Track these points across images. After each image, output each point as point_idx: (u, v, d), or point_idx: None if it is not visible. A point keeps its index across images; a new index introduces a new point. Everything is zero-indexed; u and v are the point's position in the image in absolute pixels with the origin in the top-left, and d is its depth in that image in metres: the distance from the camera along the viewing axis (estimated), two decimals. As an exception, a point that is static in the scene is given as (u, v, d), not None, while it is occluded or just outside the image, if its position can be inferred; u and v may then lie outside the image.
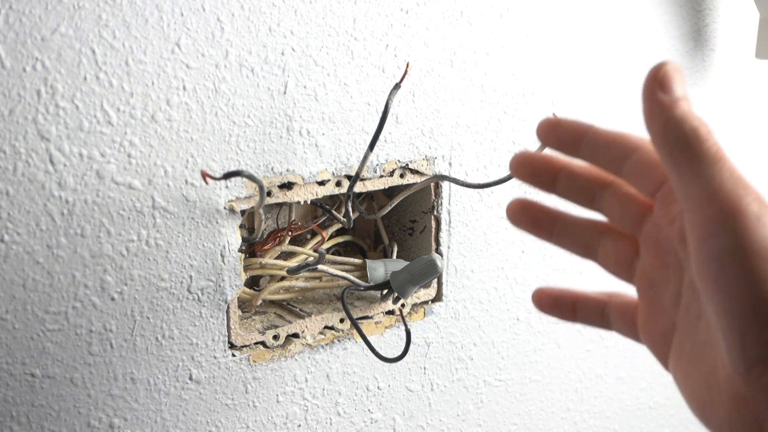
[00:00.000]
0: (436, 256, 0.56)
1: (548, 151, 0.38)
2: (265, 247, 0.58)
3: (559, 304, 0.41)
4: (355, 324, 0.56)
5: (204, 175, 0.43)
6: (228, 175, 0.43)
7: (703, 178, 0.31)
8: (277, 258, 0.59)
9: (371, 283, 0.60)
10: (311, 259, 0.58)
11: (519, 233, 0.69)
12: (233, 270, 0.52)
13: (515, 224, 0.40)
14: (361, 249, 0.68)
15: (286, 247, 0.59)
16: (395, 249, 0.65)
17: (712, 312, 0.31)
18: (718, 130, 0.87)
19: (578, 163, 0.38)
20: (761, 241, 0.29)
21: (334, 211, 0.60)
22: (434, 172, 0.61)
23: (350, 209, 0.55)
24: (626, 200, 0.37)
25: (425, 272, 0.56)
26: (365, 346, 0.61)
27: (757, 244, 0.29)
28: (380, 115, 0.56)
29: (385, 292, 0.59)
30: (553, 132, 0.38)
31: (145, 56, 0.46)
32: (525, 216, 0.40)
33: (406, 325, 0.57)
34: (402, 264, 0.62)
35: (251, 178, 0.45)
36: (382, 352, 0.62)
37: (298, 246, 0.61)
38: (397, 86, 0.52)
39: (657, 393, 0.86)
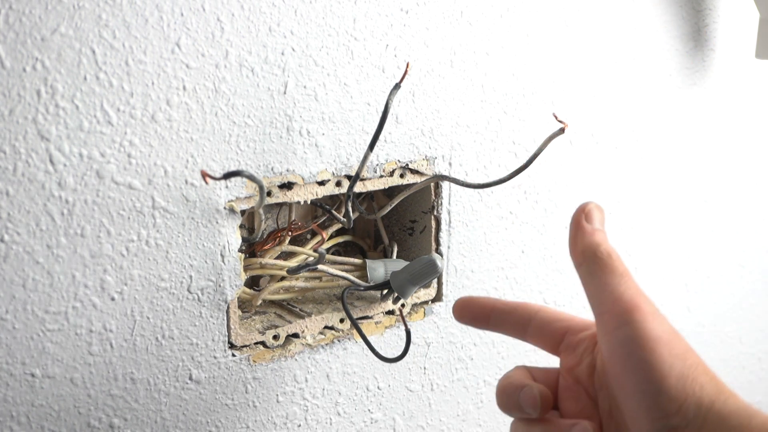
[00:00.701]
0: (436, 256, 0.56)
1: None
2: (265, 247, 0.58)
3: (476, 318, 0.48)
4: (354, 323, 0.56)
5: (204, 176, 0.43)
6: (228, 175, 0.43)
7: (612, 285, 0.40)
8: (277, 258, 0.59)
9: (371, 283, 0.60)
10: (311, 259, 0.58)
11: (519, 233, 0.69)
12: (233, 270, 0.52)
13: (459, 321, 0.48)
14: (361, 249, 0.68)
15: (286, 247, 0.59)
16: (395, 249, 0.66)
17: (623, 397, 0.38)
18: (717, 130, 0.86)
19: (504, 304, 0.47)
20: (655, 329, 0.38)
21: (334, 211, 0.60)
22: (434, 172, 0.61)
23: (350, 209, 0.55)
24: (544, 334, 0.46)
25: (425, 272, 0.56)
26: (365, 346, 0.61)
27: (653, 332, 0.37)
28: (380, 115, 0.56)
29: (385, 292, 0.59)
30: (466, 311, 0.47)
31: (145, 56, 0.46)
32: (465, 313, 0.48)
33: (406, 325, 0.56)
34: (402, 264, 0.62)
35: (251, 178, 0.45)
36: (382, 352, 0.62)
37: (299, 246, 0.61)
38: (397, 86, 0.52)
39: (657, 393, 0.86)
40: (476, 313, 0.47)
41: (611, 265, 0.40)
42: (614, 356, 0.38)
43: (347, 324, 0.59)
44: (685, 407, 0.36)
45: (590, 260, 0.41)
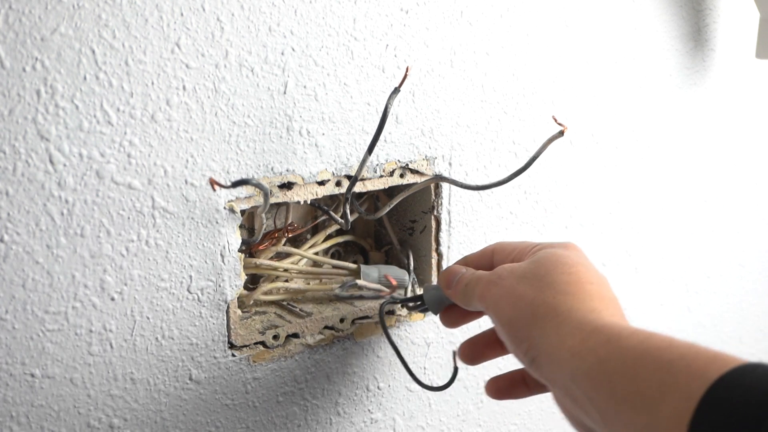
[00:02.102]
0: None
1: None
2: (261, 247, 0.58)
3: (512, 388, 0.54)
4: (392, 342, 0.57)
5: (212, 183, 0.43)
6: (237, 184, 0.44)
7: (476, 291, 0.50)
8: (272, 258, 0.59)
9: (403, 296, 0.60)
10: (358, 282, 0.60)
11: (519, 233, 0.69)
12: (233, 270, 0.52)
13: (497, 399, 0.55)
14: (361, 249, 0.68)
15: (281, 247, 0.59)
16: (410, 254, 0.65)
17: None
18: (717, 130, 0.86)
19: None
20: (495, 295, 0.48)
21: (331, 212, 0.60)
22: (434, 172, 0.61)
23: (348, 211, 0.55)
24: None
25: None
26: (365, 346, 0.61)
27: (494, 297, 0.48)
28: (380, 116, 0.56)
29: (418, 303, 0.57)
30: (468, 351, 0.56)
31: (145, 56, 0.46)
32: (498, 391, 0.54)
33: (455, 361, 0.57)
34: (396, 270, 0.62)
35: (259, 186, 0.45)
36: (381, 353, 0.62)
37: (297, 246, 0.61)
38: (396, 90, 0.51)
39: (657, 393, 0.86)
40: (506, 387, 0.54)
41: (471, 282, 0.51)
42: (495, 329, 0.49)
43: (347, 324, 0.59)
44: (532, 341, 0.43)
45: (464, 296, 0.51)
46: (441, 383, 0.66)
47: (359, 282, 0.58)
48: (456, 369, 0.56)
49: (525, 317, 0.44)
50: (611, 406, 0.37)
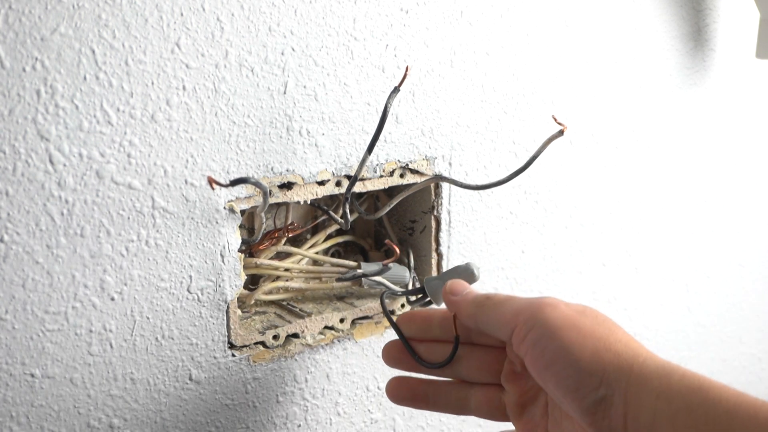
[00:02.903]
0: (473, 264, 0.55)
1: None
2: (261, 247, 0.58)
3: (414, 395, 0.51)
4: (394, 325, 0.54)
5: (211, 182, 0.43)
6: (235, 182, 0.44)
7: (504, 307, 0.44)
8: (272, 258, 0.59)
9: (402, 289, 0.60)
10: (359, 271, 0.59)
11: (519, 233, 0.69)
12: (233, 270, 0.52)
13: (396, 401, 0.51)
14: (361, 248, 0.68)
15: (281, 247, 0.59)
16: (411, 254, 0.65)
17: (551, 391, 0.41)
18: (717, 130, 0.86)
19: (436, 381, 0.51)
20: (557, 319, 0.41)
21: (331, 212, 0.60)
22: (434, 172, 0.61)
23: (347, 211, 0.55)
24: (480, 357, 0.49)
25: (462, 280, 0.55)
26: (365, 346, 0.61)
27: (555, 322, 0.41)
28: (380, 115, 0.56)
29: (419, 296, 0.56)
30: (400, 390, 0.52)
31: (145, 56, 0.46)
32: (405, 391, 0.51)
33: (456, 331, 0.52)
34: (395, 267, 0.62)
35: (258, 185, 0.45)
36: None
37: (296, 246, 0.61)
38: (396, 90, 0.51)
39: (657, 393, 0.86)
40: (414, 392, 0.51)
41: (490, 300, 0.46)
42: (533, 359, 0.41)
43: (347, 324, 0.59)
44: (606, 377, 0.38)
45: (478, 308, 0.46)
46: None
47: (360, 271, 0.57)
48: (457, 338, 0.52)
49: (598, 350, 0.39)
50: None
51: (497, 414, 0.49)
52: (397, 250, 0.53)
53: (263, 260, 0.58)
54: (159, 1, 0.46)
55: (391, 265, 0.64)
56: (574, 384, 0.39)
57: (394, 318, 0.54)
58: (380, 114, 0.56)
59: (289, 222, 0.61)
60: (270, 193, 0.53)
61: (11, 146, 0.43)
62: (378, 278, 0.59)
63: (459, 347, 0.50)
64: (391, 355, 0.52)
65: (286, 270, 0.60)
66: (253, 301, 0.59)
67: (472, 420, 0.70)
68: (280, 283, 0.60)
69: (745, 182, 0.90)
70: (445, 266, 0.64)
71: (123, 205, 0.47)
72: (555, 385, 0.40)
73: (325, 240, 0.64)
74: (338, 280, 0.60)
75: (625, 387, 0.38)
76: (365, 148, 0.56)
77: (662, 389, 0.37)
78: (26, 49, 0.42)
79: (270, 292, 0.60)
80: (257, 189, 0.51)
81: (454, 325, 0.50)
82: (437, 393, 0.50)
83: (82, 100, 0.45)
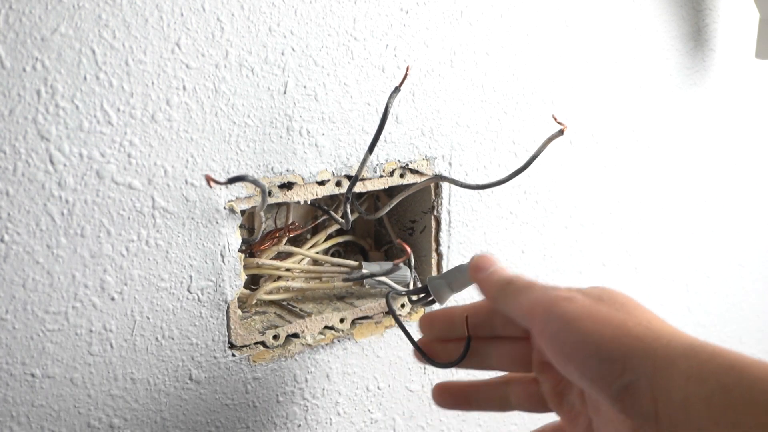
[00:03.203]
0: None
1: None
2: (262, 247, 0.58)
3: (457, 399, 0.50)
4: (401, 325, 0.54)
5: (208, 180, 0.43)
6: (232, 180, 0.43)
7: (522, 297, 0.43)
8: (274, 258, 0.59)
9: (405, 288, 0.59)
10: (365, 271, 0.58)
11: (519, 233, 0.69)
12: (233, 270, 0.52)
13: (443, 407, 0.51)
14: (361, 249, 0.68)
15: (283, 247, 0.59)
16: (412, 259, 0.65)
17: (577, 382, 0.40)
18: (717, 130, 0.86)
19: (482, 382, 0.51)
20: (574, 310, 0.40)
21: (332, 212, 0.60)
22: (434, 172, 0.61)
23: (348, 211, 0.55)
24: (509, 350, 0.48)
25: (465, 280, 0.54)
26: (365, 346, 0.61)
27: (572, 313, 0.40)
28: (380, 116, 0.56)
29: (422, 296, 0.56)
30: (445, 395, 0.51)
31: (145, 56, 0.46)
32: (448, 397, 0.50)
33: (468, 331, 0.50)
34: (390, 266, 0.61)
35: (255, 182, 0.45)
36: (381, 353, 0.62)
37: (296, 247, 0.61)
38: (396, 89, 0.52)
39: (657, 393, 0.86)
40: (456, 396, 0.50)
41: (516, 283, 0.44)
42: (554, 352, 0.40)
43: (347, 324, 0.59)
44: (629, 363, 0.37)
45: (499, 292, 0.45)
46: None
47: (367, 271, 0.57)
48: (469, 338, 0.51)
49: (617, 336, 0.38)
50: None
51: (539, 406, 0.49)
52: (408, 249, 0.52)
53: (265, 260, 0.58)
54: (159, 1, 0.46)
55: (391, 262, 0.64)
56: (598, 373, 0.38)
57: (403, 317, 0.53)
58: (380, 114, 0.56)
59: (290, 222, 0.61)
60: (270, 193, 0.53)
61: (11, 146, 0.43)
62: (382, 278, 0.59)
63: (486, 342, 0.49)
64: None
65: (287, 270, 0.60)
66: (255, 301, 0.59)
67: (472, 420, 0.70)
68: (281, 283, 0.60)
69: (745, 182, 0.90)
70: (445, 266, 0.64)
71: (123, 205, 0.47)
72: (579, 376, 0.39)
73: (326, 240, 0.64)
74: (344, 280, 0.60)
75: (651, 371, 0.36)
76: (365, 148, 0.56)
77: (692, 371, 0.35)
78: (26, 49, 0.42)
79: (271, 292, 0.60)
80: (257, 189, 0.51)
81: (466, 325, 0.49)
82: (478, 393, 0.50)
83: (82, 100, 0.45)
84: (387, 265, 0.62)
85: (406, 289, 0.59)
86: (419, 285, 0.64)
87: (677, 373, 0.36)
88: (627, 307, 0.41)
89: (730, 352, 0.36)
